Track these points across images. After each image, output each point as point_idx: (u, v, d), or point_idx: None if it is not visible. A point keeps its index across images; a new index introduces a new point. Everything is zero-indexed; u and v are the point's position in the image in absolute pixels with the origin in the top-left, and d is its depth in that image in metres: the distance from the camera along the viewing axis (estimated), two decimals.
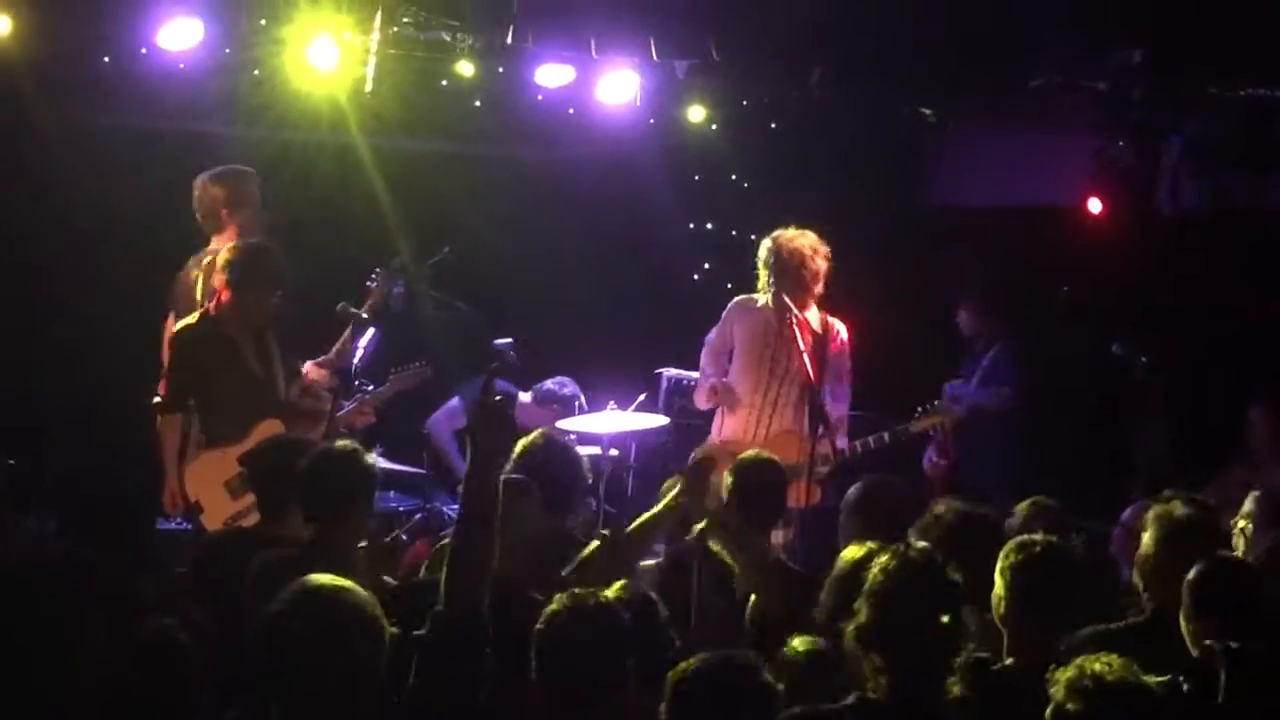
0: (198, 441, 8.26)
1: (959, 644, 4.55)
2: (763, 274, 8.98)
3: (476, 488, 4.48)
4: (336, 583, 4.21)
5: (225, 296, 8.27)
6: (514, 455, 6.42)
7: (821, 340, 8.69)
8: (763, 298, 9.01)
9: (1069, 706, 4.32)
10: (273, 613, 4.15)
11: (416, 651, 4.35)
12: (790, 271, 8.85)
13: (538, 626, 4.59)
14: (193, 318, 8.35)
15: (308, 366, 8.77)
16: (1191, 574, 5.33)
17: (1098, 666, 4.35)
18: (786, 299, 8.72)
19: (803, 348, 8.49)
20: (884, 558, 4.61)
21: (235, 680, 4.47)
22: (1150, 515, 6.05)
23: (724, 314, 9.20)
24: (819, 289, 8.93)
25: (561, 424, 9.49)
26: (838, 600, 5.22)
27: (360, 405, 8.51)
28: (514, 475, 5.80)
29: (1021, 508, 6.80)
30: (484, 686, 4.35)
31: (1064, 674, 4.39)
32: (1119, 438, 10.54)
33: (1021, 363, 10.75)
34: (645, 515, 6.35)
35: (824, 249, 8.95)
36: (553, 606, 4.62)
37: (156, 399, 8.36)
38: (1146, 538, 5.94)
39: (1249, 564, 5.76)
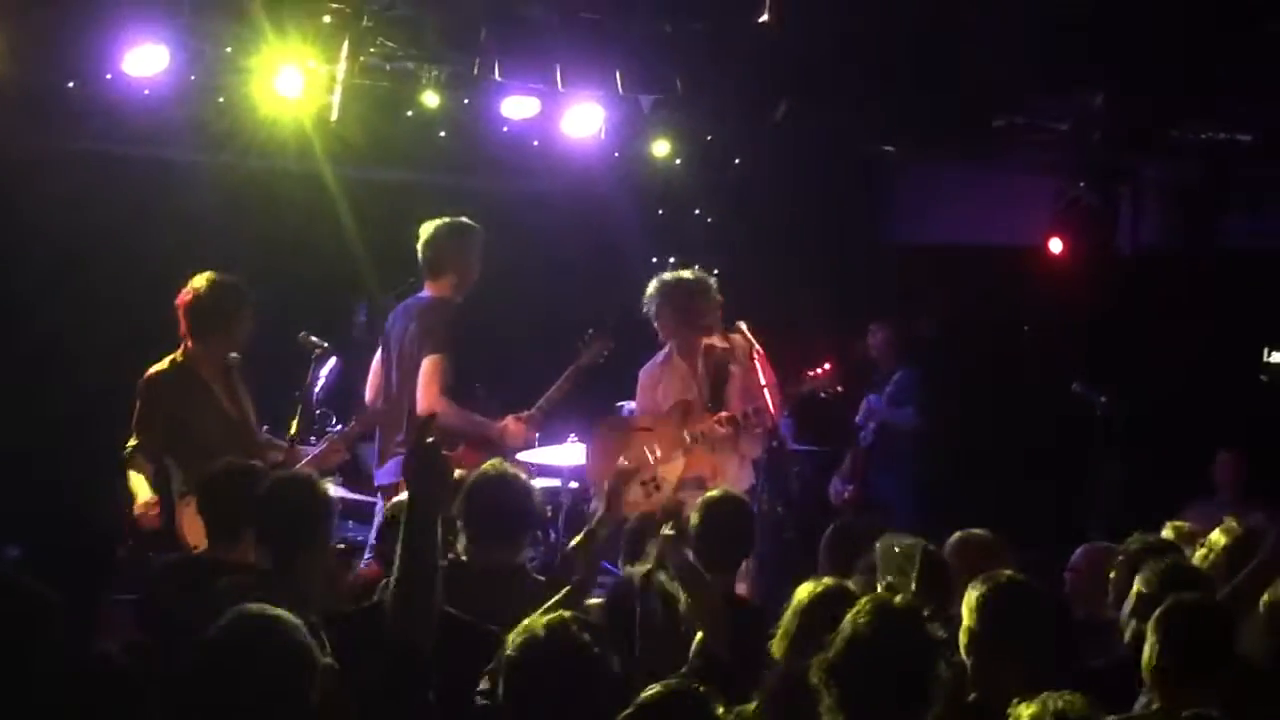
0: (179, 491, 8.10)
1: (929, 699, 4.54)
2: (666, 317, 9.01)
3: (417, 535, 4.43)
4: (269, 612, 4.23)
5: (193, 342, 8.13)
6: (462, 489, 6.42)
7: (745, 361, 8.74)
8: (662, 352, 9.11)
9: None
10: (205, 641, 4.18)
11: (361, 691, 4.35)
12: (705, 310, 8.90)
13: (510, 653, 4.55)
14: (163, 364, 8.13)
15: (507, 420, 8.64)
16: (1158, 614, 5.33)
17: (1060, 703, 4.36)
18: (748, 335, 8.77)
19: (764, 382, 8.55)
20: (865, 602, 4.60)
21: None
22: (1145, 564, 6.14)
23: (641, 390, 9.24)
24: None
25: (521, 457, 9.50)
26: (794, 635, 5.25)
27: (332, 444, 8.42)
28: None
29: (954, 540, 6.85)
30: None
31: (1027, 709, 4.39)
32: (1076, 475, 10.61)
33: (925, 388, 11.08)
34: (577, 538, 6.43)
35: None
36: (524, 635, 4.58)
37: (132, 444, 8.05)
38: (1139, 581, 6.02)
39: (1218, 604, 5.75)
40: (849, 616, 4.54)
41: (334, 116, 9.78)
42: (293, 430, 8.29)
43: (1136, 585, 6.05)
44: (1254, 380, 11.19)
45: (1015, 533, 7.11)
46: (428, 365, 8.43)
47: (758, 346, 8.69)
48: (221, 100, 9.68)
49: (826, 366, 9.23)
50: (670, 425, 8.86)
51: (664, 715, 4.31)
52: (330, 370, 8.97)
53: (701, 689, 4.43)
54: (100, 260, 10.10)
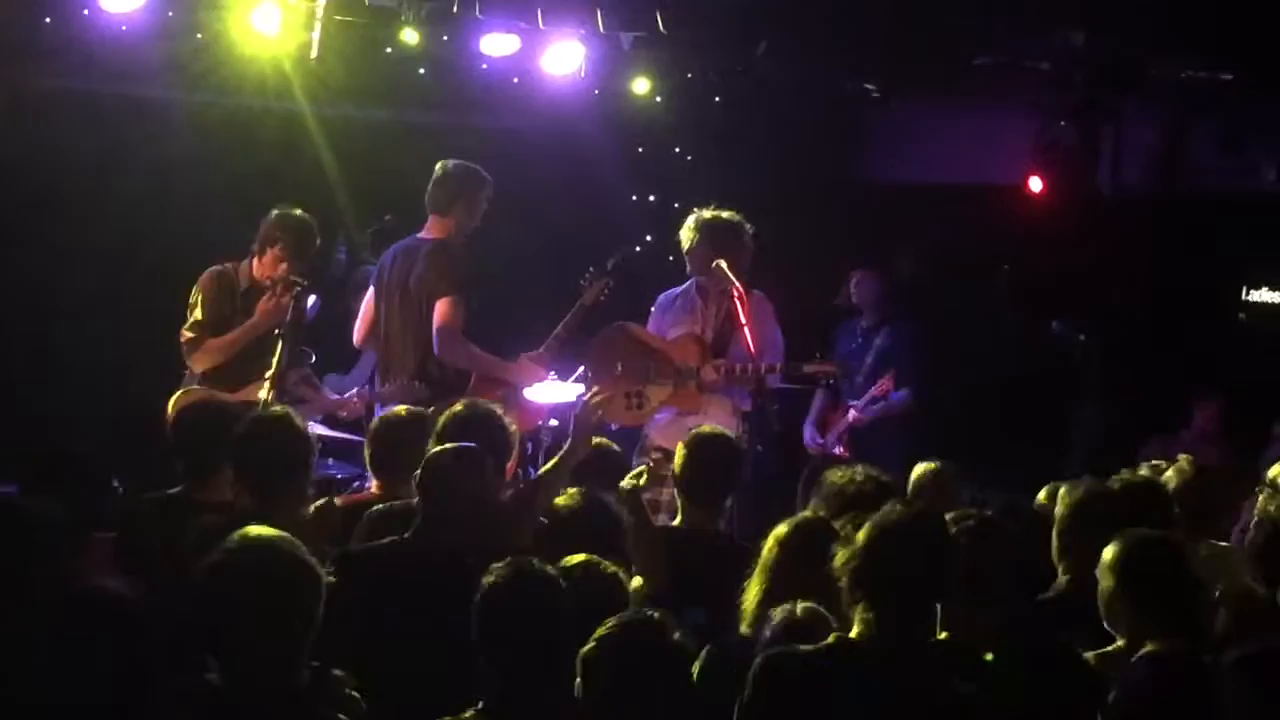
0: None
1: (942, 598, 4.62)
2: (699, 250, 9.01)
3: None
4: (273, 534, 4.30)
5: (267, 260, 8.35)
6: (437, 427, 6.43)
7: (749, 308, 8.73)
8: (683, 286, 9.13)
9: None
10: (211, 564, 4.20)
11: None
12: (738, 254, 8.91)
13: (479, 596, 4.58)
14: (226, 267, 8.38)
15: (521, 359, 8.71)
16: (1113, 551, 5.34)
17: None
18: (728, 273, 8.73)
19: (743, 321, 8.55)
20: (892, 506, 4.66)
21: (171, 646, 4.46)
22: (1061, 490, 6.18)
23: (654, 311, 9.28)
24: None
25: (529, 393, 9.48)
26: (772, 569, 5.29)
27: (358, 395, 8.58)
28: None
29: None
30: None
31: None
32: (1056, 415, 10.64)
33: (920, 352, 10.67)
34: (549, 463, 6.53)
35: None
36: (491, 577, 4.61)
37: (190, 334, 8.27)
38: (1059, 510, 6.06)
39: (1176, 541, 5.77)
40: (874, 521, 4.58)
41: (313, 54, 9.71)
42: (274, 368, 8.28)
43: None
44: (1233, 319, 11.21)
45: (992, 472, 7.14)
46: (443, 306, 8.40)
47: (737, 285, 8.66)
48: (199, 37, 9.61)
49: (830, 367, 9.21)
50: (676, 352, 8.92)
51: (624, 645, 4.37)
52: (310, 307, 8.96)
53: (657, 615, 4.49)
54: (75, 199, 10.05)
